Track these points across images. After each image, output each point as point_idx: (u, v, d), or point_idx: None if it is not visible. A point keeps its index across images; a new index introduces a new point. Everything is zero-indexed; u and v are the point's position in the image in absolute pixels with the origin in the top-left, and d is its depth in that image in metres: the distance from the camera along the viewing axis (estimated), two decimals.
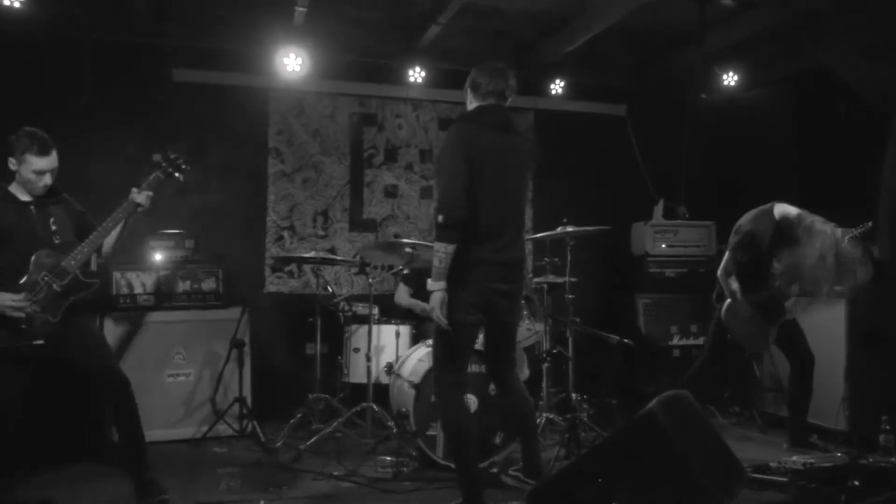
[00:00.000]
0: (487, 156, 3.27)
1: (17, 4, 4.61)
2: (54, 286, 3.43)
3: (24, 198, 3.56)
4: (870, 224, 4.39)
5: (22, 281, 3.39)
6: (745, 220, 4.38)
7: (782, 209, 4.24)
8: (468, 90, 3.50)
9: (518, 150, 3.45)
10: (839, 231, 3.97)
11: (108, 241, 3.65)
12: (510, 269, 3.40)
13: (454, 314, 3.28)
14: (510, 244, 3.38)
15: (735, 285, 4.26)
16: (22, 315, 3.36)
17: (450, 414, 3.39)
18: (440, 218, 3.18)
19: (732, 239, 4.38)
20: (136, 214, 3.62)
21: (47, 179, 3.54)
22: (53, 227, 3.56)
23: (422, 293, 5.36)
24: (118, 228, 3.62)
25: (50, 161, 3.51)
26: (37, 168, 3.48)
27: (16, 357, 3.44)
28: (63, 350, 3.54)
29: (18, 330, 3.38)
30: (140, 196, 3.58)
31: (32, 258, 3.43)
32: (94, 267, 4.04)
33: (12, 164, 3.50)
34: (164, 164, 3.72)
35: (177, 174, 3.76)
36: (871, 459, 3.72)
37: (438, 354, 3.42)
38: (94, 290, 3.60)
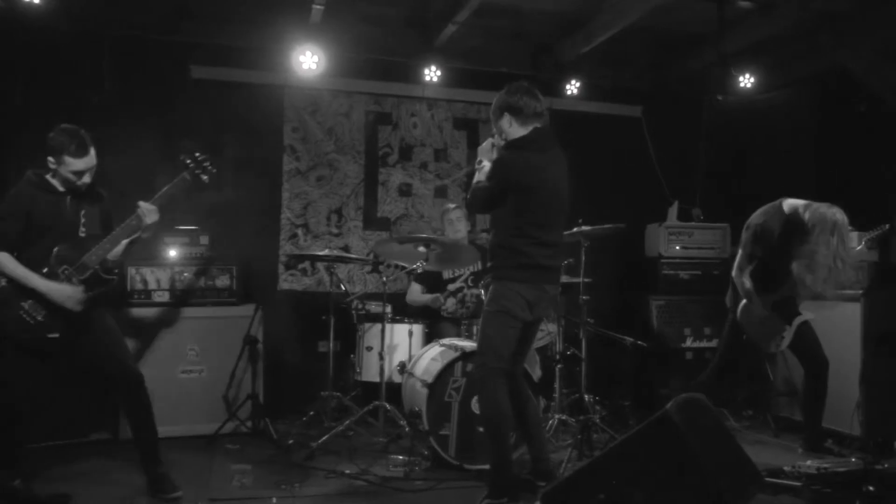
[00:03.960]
0: (539, 176, 3.47)
1: (36, 1, 4.62)
2: (73, 280, 3.44)
3: (62, 188, 3.54)
4: (887, 227, 4.37)
5: (44, 272, 3.40)
6: (756, 215, 4.41)
7: (790, 202, 4.29)
8: (507, 115, 3.52)
9: (562, 163, 3.62)
10: (844, 217, 4.04)
11: (116, 251, 3.57)
12: (557, 274, 3.69)
13: (509, 304, 3.45)
14: (558, 251, 3.65)
15: (749, 284, 4.24)
16: (79, 308, 3.41)
17: (488, 400, 3.46)
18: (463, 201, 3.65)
19: (744, 235, 4.39)
20: (145, 231, 3.54)
21: (86, 179, 3.51)
22: (82, 220, 3.54)
23: (434, 291, 5.38)
24: (124, 242, 3.57)
25: (88, 161, 3.47)
26: (75, 169, 3.44)
27: (33, 350, 3.46)
28: (78, 344, 3.55)
29: (35, 323, 3.39)
30: (144, 208, 3.50)
31: (54, 250, 3.43)
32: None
33: (51, 162, 3.46)
34: (190, 165, 3.65)
35: (204, 177, 3.68)
36: (886, 465, 3.69)
37: (484, 341, 3.51)
38: (113, 286, 3.61)
